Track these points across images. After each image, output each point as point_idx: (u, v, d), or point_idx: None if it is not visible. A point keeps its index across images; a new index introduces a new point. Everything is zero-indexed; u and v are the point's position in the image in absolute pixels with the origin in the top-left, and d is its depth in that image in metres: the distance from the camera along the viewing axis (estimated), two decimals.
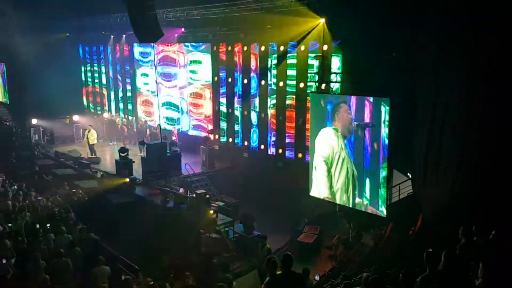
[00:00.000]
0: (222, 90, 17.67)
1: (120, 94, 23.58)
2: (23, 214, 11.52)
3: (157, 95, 19.57)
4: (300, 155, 14.40)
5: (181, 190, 13.94)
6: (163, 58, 20.48)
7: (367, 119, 10.96)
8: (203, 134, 18.42)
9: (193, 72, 19.11)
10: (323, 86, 12.31)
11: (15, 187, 14.27)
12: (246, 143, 16.74)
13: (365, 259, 9.89)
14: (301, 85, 14.09)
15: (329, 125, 11.91)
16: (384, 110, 10.51)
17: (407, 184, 11.35)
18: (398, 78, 10.51)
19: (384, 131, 10.62)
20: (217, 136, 17.87)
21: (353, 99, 11.27)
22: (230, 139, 17.48)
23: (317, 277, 8.32)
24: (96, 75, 25.21)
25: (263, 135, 16.04)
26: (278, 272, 5.39)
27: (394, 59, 10.73)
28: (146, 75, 21.63)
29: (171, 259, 9.69)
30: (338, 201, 12.06)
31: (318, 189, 12.42)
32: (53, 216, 11.54)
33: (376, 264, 8.58)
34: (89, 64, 25.58)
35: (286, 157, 15.16)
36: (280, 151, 15.26)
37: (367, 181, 11.24)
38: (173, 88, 20.22)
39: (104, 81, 24.67)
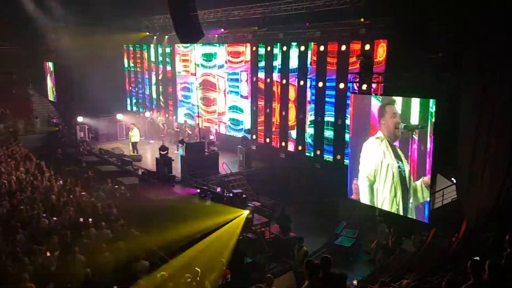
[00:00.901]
0: (261, 90, 17.68)
1: (161, 94, 24.17)
2: (67, 208, 11.97)
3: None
4: (338, 156, 14.15)
5: (218, 189, 14.09)
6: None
7: (414, 121, 10.57)
8: (241, 134, 18.54)
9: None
10: (365, 87, 12.02)
11: (60, 182, 14.87)
12: (283, 144, 16.67)
13: (405, 265, 9.58)
14: (341, 85, 13.85)
15: (372, 129, 11.55)
16: (429, 112, 10.14)
17: (451, 189, 10.92)
18: (444, 78, 10.10)
19: (430, 133, 10.24)
20: (254, 136, 17.92)
21: (399, 100, 10.88)
22: (268, 140, 17.46)
23: (355, 282, 8.15)
24: (139, 76, 25.94)
25: (301, 136, 15.90)
26: (318, 275, 5.31)
27: (440, 59, 10.33)
28: (190, 84, 22.03)
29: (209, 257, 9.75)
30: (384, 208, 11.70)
31: (358, 193, 12.16)
32: (95, 212, 11.92)
33: (417, 271, 8.30)
34: (133, 64, 26.34)
35: (324, 158, 14.95)
36: (318, 152, 15.06)
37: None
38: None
39: (146, 81, 25.32)
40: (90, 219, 11.01)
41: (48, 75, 28.72)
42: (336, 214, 13.05)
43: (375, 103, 11.45)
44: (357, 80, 12.15)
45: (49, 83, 28.77)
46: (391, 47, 12.15)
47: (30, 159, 17.95)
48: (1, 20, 24.08)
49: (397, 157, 11.01)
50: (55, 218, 11.14)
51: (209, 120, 20.80)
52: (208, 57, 20.33)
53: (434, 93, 10.13)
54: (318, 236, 12.50)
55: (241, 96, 18.72)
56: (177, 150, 18.43)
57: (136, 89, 26.42)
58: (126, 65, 26.82)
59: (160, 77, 24.04)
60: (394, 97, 10.99)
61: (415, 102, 10.48)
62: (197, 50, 20.60)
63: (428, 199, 10.48)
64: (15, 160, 17.31)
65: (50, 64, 28.01)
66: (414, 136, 10.58)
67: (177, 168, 16.46)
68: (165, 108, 23.86)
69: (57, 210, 11.77)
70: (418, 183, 10.70)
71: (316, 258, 5.77)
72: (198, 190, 14.09)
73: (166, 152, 16.34)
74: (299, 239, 10.19)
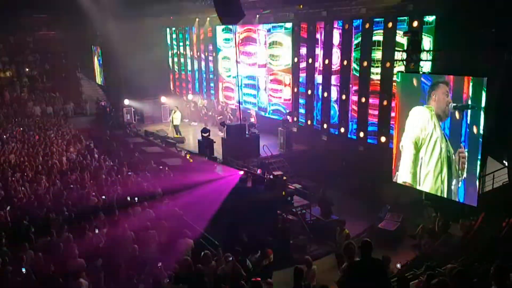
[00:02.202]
0: (302, 72, 17.40)
1: (203, 77, 24.40)
2: (115, 188, 12.42)
3: (237, 76, 19.75)
4: (383, 139, 13.74)
5: (259, 171, 14.10)
6: (245, 38, 20.63)
7: (466, 100, 10.00)
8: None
9: (272, 57, 19.01)
10: (412, 65, 11.51)
11: (110, 163, 15.45)
12: (325, 125, 16.40)
13: (451, 250, 9.25)
14: (387, 64, 13.35)
15: (422, 105, 11.04)
16: (481, 91, 9.57)
17: (502, 173, 10.37)
18: (497, 55, 9.47)
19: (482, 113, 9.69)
20: (295, 118, 17.75)
21: (450, 78, 10.29)
22: (309, 121, 17.24)
23: (398, 266, 7.97)
24: (182, 59, 26.26)
25: (343, 117, 15.56)
26: (357, 259, 5.23)
27: (493, 35, 9.69)
28: (228, 58, 22.02)
29: (249, 237, 9.87)
30: (426, 187, 11.26)
31: (403, 173, 11.78)
32: (141, 191, 12.30)
33: (464, 256, 8.00)
34: (175, 47, 26.69)
35: (368, 141, 14.58)
36: (362, 134, 14.70)
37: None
38: (253, 66, 20.34)
39: (189, 63, 25.61)
40: (136, 198, 11.37)
41: (96, 59, 29.67)
42: (379, 198, 12.73)
43: (425, 82, 10.94)
44: (405, 58, 11.63)
45: (97, 67, 29.74)
46: (440, 23, 11.50)
47: (80, 140, 18.78)
48: (49, 6, 25.02)
49: (446, 138, 10.52)
50: (103, 197, 11.60)
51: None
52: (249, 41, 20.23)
53: (485, 71, 9.52)
54: (361, 219, 12.29)
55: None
56: (221, 133, 18.62)
57: (180, 72, 26.81)
58: (169, 48, 27.20)
59: (203, 60, 24.23)
60: (445, 76, 10.43)
61: (467, 81, 9.92)
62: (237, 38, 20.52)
63: (464, 176, 9.98)
64: (66, 141, 18.16)
65: (97, 49, 28.89)
66: (464, 116, 10.03)
67: (218, 150, 16.63)
68: (207, 91, 24.08)
69: (106, 189, 12.26)
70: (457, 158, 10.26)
71: (358, 242, 5.64)
72: (242, 172, 14.19)
73: (208, 134, 16.52)
74: (341, 222, 10.07)
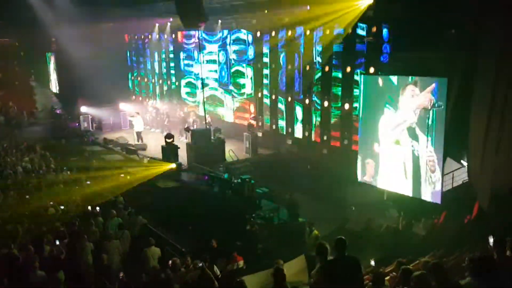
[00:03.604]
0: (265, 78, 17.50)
1: (166, 82, 24.02)
2: (74, 198, 11.92)
3: (202, 89, 19.50)
4: (345, 141, 14.00)
5: (226, 176, 13.96)
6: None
7: (430, 101, 10.26)
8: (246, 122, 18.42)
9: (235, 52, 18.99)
10: (372, 70, 11.82)
11: (68, 172, 14.82)
12: (289, 129, 16.52)
13: (417, 247, 9.49)
14: (348, 69, 13.64)
15: (388, 107, 11.29)
16: (444, 91, 9.90)
17: (461, 172, 10.79)
18: (457, 57, 9.87)
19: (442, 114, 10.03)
20: (260, 123, 17.78)
21: (415, 79, 10.57)
22: (274, 126, 17.31)
23: (372, 262, 8.06)
24: (142, 65, 25.74)
25: (307, 122, 15.74)
26: (331, 258, 5.22)
27: (453, 36, 10.09)
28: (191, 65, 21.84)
29: (218, 243, 9.70)
30: (391, 187, 11.55)
31: (370, 176, 12.02)
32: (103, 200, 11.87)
33: (431, 252, 8.21)
34: (134, 53, 26.13)
35: (331, 144, 14.80)
36: (325, 137, 14.90)
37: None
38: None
39: (149, 69, 25.13)
40: (98, 208, 10.96)
41: (50, 66, 28.57)
42: (344, 199, 12.91)
43: (389, 83, 11.24)
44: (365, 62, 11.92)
45: (52, 74, 28.63)
46: (400, 25, 11.86)
47: (34, 150, 17.91)
48: (1, 12, 23.85)
49: (414, 137, 10.81)
50: (62, 207, 11.10)
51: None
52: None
53: (446, 73, 9.89)
54: (327, 222, 12.37)
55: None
56: (185, 139, 18.30)
57: (139, 78, 26.25)
58: (128, 53, 26.60)
59: (163, 65, 23.85)
60: (411, 77, 10.72)
61: (430, 82, 10.25)
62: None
63: (439, 181, 10.33)
64: (20, 151, 17.28)
65: (52, 55, 27.83)
66: (430, 116, 10.32)
67: (183, 156, 16.34)
68: (169, 97, 23.69)
69: (64, 200, 11.73)
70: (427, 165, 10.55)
71: (327, 243, 5.68)
72: (207, 177, 13.99)
73: (172, 139, 16.20)
74: (310, 223, 10.09)
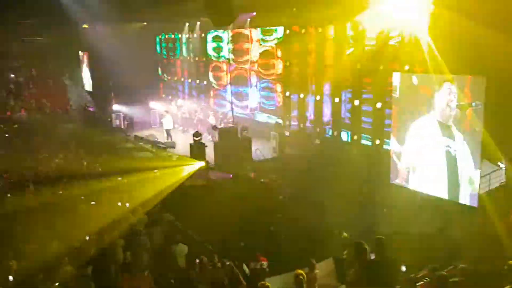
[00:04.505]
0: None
1: (195, 82, 24.19)
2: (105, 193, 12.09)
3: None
4: (377, 141, 13.65)
5: (252, 175, 13.91)
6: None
7: (467, 99, 9.87)
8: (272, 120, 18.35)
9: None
10: (407, 67, 11.44)
11: (99, 169, 15.09)
12: (318, 129, 16.26)
13: (451, 251, 9.12)
14: (381, 66, 13.27)
15: (424, 109, 10.90)
16: (483, 90, 9.48)
17: (498, 174, 10.31)
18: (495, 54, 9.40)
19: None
20: (287, 122, 17.63)
21: (451, 78, 10.15)
22: (302, 125, 17.09)
23: (403, 268, 7.79)
24: (172, 62, 26.00)
25: (336, 121, 15.45)
26: (371, 258, 5.06)
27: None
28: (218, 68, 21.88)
29: (245, 242, 9.63)
30: (426, 189, 11.18)
31: (402, 177, 11.69)
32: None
33: (466, 257, 7.87)
34: (165, 52, 26.43)
35: (361, 143, 14.47)
36: (355, 137, 14.59)
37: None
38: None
39: (179, 68, 25.37)
40: (128, 204, 11.07)
41: (84, 65, 29.25)
42: (375, 201, 12.58)
43: (425, 81, 10.83)
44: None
45: (85, 73, 29.30)
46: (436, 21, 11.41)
47: (68, 147, 18.36)
48: (36, 11, 24.62)
49: (450, 137, 10.38)
50: (93, 203, 11.28)
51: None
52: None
53: (485, 70, 9.45)
54: (356, 224, 12.07)
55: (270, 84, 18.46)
56: (212, 138, 18.38)
57: (169, 77, 26.54)
58: (159, 52, 26.93)
59: (192, 64, 24.01)
60: (447, 75, 10.29)
61: (468, 80, 9.82)
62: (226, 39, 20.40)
63: (475, 182, 9.91)
64: (54, 148, 17.74)
65: (85, 54, 28.49)
66: (467, 115, 9.90)
67: (210, 154, 16.38)
68: (198, 96, 23.84)
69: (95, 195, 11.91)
70: (469, 167, 10.11)
71: (360, 243, 5.50)
72: (231, 175, 13.99)
73: (199, 138, 16.27)
74: (338, 225, 9.87)
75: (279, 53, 18.09)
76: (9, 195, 11.74)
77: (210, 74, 22.72)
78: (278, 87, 18.47)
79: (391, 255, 4.88)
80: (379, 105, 13.48)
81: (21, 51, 29.46)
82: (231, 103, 18.72)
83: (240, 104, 20.67)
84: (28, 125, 23.62)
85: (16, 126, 22.91)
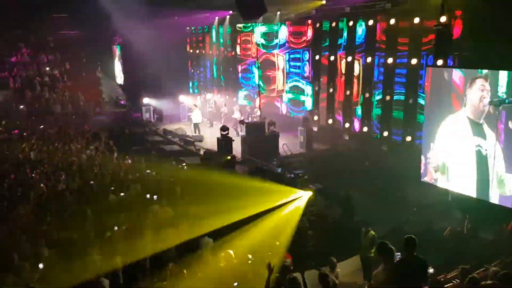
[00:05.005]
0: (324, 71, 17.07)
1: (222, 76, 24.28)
2: (134, 185, 12.29)
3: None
4: (408, 138, 13.30)
5: (279, 170, 13.84)
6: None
7: (502, 95, 9.39)
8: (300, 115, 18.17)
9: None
10: (440, 62, 11.04)
11: (128, 160, 15.38)
12: (347, 124, 16.01)
13: (482, 253, 8.81)
14: (413, 61, 12.89)
15: (455, 106, 10.50)
16: None
17: None
18: None
19: None
20: (315, 117, 17.42)
21: (486, 73, 9.72)
22: (330, 120, 16.86)
23: (431, 270, 7.57)
24: (201, 57, 26.18)
25: (366, 116, 15.15)
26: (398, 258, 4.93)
27: None
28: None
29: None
30: (456, 187, 10.80)
31: (431, 175, 11.35)
32: (160, 189, 12.15)
33: (498, 260, 7.57)
34: (195, 46, 26.62)
35: (392, 140, 14.15)
36: (386, 133, 14.27)
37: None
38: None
39: (208, 63, 25.50)
40: (155, 196, 11.21)
41: (116, 58, 29.83)
42: (404, 199, 12.28)
43: (458, 76, 10.43)
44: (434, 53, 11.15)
45: (117, 66, 29.90)
46: (471, 15, 10.99)
47: (99, 138, 18.79)
48: (70, 5, 25.25)
49: (481, 135, 9.99)
50: (122, 194, 11.48)
51: (269, 99, 20.59)
52: (269, 36, 19.99)
53: None
54: (384, 222, 11.81)
55: (302, 77, 18.28)
56: (240, 132, 18.41)
57: (198, 71, 26.73)
58: (188, 47, 27.14)
59: (221, 58, 24.10)
60: (480, 70, 9.89)
61: (503, 75, 9.38)
62: (256, 31, 20.29)
63: (509, 183, 9.48)
64: (86, 140, 18.19)
65: (117, 48, 29.04)
66: (502, 112, 9.45)
67: (237, 148, 16.41)
68: (226, 90, 23.91)
69: (125, 187, 12.14)
70: (500, 168, 9.69)
71: (384, 241, 5.38)
72: (258, 170, 13.96)
73: (226, 132, 16.32)
74: (366, 223, 9.68)
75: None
76: (42, 185, 12.05)
77: (239, 67, 22.70)
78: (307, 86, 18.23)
79: (419, 255, 4.70)
80: (410, 100, 13.12)
81: (56, 44, 30.38)
82: (258, 94, 18.59)
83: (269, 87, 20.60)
84: (62, 117, 24.42)
85: (50, 118, 23.67)
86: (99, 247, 8.22)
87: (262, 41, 20.32)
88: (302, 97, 18.54)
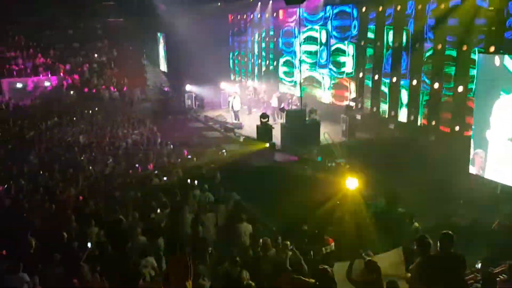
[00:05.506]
0: (369, 53, 16.56)
1: (265, 63, 24.15)
2: (176, 170, 12.58)
3: (300, 70, 19.24)
4: (457, 128, 12.73)
5: (320, 158, 13.68)
6: (307, 38, 20.15)
7: None
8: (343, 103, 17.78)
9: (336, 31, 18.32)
10: (492, 48, 10.44)
11: (171, 146, 15.73)
12: (392, 113, 15.52)
13: None
14: (464, 47, 12.26)
15: (505, 91, 9.94)
16: None
17: None
18: None
19: None
20: (359, 105, 17.01)
21: None
22: (375, 108, 16.41)
23: (478, 265, 7.27)
24: (242, 43, 26.16)
25: (413, 105, 14.62)
26: (433, 253, 4.78)
27: None
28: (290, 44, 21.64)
29: (308, 226, 9.52)
30: (507, 183, 10.27)
31: (479, 166, 10.83)
32: (201, 174, 12.37)
33: None
34: (236, 33, 26.61)
35: (440, 129, 13.60)
36: (433, 123, 13.72)
37: None
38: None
39: (250, 48, 25.45)
40: (196, 181, 11.41)
41: (160, 46, 30.38)
42: (451, 191, 11.81)
43: (508, 63, 9.81)
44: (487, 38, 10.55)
45: (161, 53, 30.45)
46: None
47: (144, 124, 19.34)
48: None
49: None
50: (165, 178, 11.78)
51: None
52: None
53: None
54: (429, 214, 11.43)
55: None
56: (279, 119, 18.32)
57: (239, 58, 26.75)
58: (230, 33, 27.17)
59: (263, 45, 23.97)
60: None
61: None
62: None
63: None
64: (132, 125, 18.77)
65: (162, 36, 29.54)
66: None
67: (277, 136, 16.34)
68: (267, 77, 23.82)
69: (167, 171, 12.44)
70: None
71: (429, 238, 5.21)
72: (297, 158, 13.86)
73: (267, 119, 16.28)
74: (410, 214, 9.41)
75: None
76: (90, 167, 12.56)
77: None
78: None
79: (456, 251, 4.54)
80: (460, 88, 12.51)
81: (104, 32, 31.35)
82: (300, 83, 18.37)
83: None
84: (109, 103, 25.30)
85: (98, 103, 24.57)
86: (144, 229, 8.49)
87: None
88: (343, 58, 18.17)
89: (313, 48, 20.01)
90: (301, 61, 18.68)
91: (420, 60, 14.13)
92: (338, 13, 17.99)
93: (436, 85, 13.48)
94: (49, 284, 6.51)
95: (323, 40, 19.22)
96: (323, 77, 19.58)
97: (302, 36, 19.67)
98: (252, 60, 25.31)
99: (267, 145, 15.43)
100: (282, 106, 18.37)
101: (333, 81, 18.97)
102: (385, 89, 15.96)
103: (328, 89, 19.30)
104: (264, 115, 16.43)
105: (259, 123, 16.39)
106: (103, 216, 9.06)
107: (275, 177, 13.52)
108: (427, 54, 13.82)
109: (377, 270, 5.07)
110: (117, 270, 6.96)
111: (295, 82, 20.95)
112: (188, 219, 9.31)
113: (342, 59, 18.17)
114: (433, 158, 12.89)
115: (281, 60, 22.50)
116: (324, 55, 19.25)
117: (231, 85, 24.57)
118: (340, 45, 18.18)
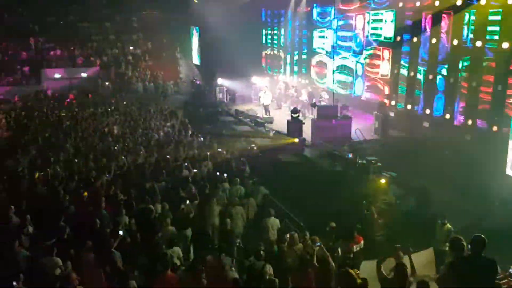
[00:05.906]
0: (405, 49, 16.16)
1: (296, 57, 23.98)
2: (206, 163, 12.69)
3: (333, 57, 19.06)
4: (495, 127, 12.25)
5: (350, 155, 13.48)
6: (343, 25, 19.91)
7: None
8: (376, 99, 17.42)
9: (374, 29, 18.00)
10: None
11: (201, 138, 15.89)
12: (427, 111, 15.09)
13: None
14: (505, 45, 11.75)
15: None
16: None
17: None
18: None
19: None
20: (393, 102, 16.63)
21: None
22: (409, 106, 16.00)
23: None
24: (275, 38, 26.06)
25: (449, 103, 14.17)
26: (465, 255, 4.65)
27: None
28: (324, 37, 21.37)
29: (336, 223, 9.42)
30: None
31: None
32: (230, 167, 12.44)
33: None
34: (269, 27, 26.54)
35: (476, 128, 13.13)
36: (470, 122, 13.26)
37: None
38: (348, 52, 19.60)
39: (282, 43, 25.34)
40: (225, 174, 11.48)
41: (194, 39, 30.68)
42: (486, 193, 11.39)
43: None
44: None
45: (195, 47, 30.76)
46: None
47: (176, 116, 19.61)
48: None
49: None
50: (195, 170, 11.90)
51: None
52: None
53: None
54: (463, 216, 11.08)
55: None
56: (311, 114, 18.18)
57: (272, 52, 26.66)
58: (263, 29, 27.11)
59: (296, 40, 23.81)
60: None
61: None
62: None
63: None
64: (164, 117, 19.08)
65: (195, 29, 29.81)
66: None
67: (307, 132, 16.22)
68: (299, 72, 23.65)
69: (197, 163, 12.57)
70: None
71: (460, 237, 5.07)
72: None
73: (297, 115, 16.18)
74: (441, 215, 9.15)
75: None
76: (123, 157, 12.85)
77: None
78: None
79: (488, 255, 4.40)
80: (499, 87, 12.03)
81: (140, 25, 31.93)
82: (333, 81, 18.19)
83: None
84: (143, 95, 25.83)
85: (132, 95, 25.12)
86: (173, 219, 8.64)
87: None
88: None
89: (348, 34, 19.81)
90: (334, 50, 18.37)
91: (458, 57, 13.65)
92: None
93: (474, 83, 12.99)
94: (81, 269, 6.71)
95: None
96: (356, 65, 19.30)
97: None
98: (284, 56, 25.16)
99: (296, 140, 15.35)
100: (313, 101, 18.21)
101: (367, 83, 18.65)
102: (420, 85, 15.53)
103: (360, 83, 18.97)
104: (295, 110, 16.33)
105: (288, 117, 16.31)
106: (134, 205, 9.25)
107: (304, 173, 13.46)
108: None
109: (405, 275, 5.00)
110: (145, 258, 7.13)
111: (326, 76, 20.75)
112: (216, 211, 9.40)
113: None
114: (468, 158, 12.49)
115: (313, 60, 22.26)
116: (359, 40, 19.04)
117: (262, 79, 24.56)
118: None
